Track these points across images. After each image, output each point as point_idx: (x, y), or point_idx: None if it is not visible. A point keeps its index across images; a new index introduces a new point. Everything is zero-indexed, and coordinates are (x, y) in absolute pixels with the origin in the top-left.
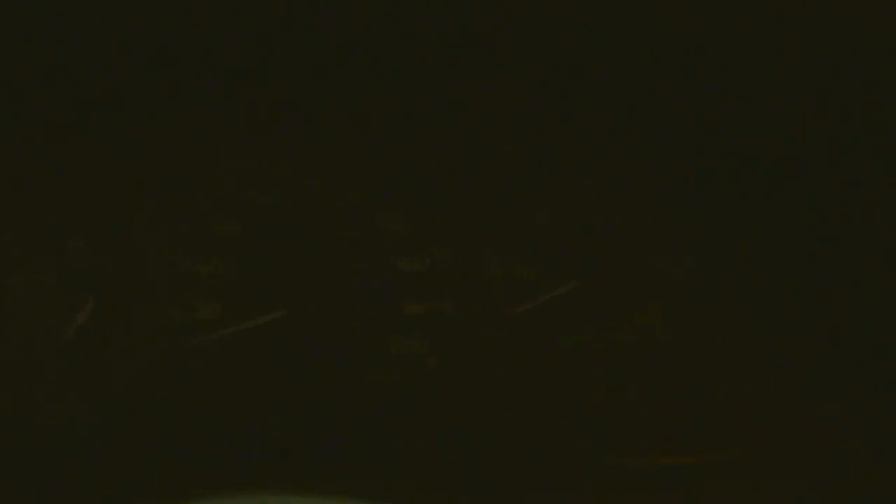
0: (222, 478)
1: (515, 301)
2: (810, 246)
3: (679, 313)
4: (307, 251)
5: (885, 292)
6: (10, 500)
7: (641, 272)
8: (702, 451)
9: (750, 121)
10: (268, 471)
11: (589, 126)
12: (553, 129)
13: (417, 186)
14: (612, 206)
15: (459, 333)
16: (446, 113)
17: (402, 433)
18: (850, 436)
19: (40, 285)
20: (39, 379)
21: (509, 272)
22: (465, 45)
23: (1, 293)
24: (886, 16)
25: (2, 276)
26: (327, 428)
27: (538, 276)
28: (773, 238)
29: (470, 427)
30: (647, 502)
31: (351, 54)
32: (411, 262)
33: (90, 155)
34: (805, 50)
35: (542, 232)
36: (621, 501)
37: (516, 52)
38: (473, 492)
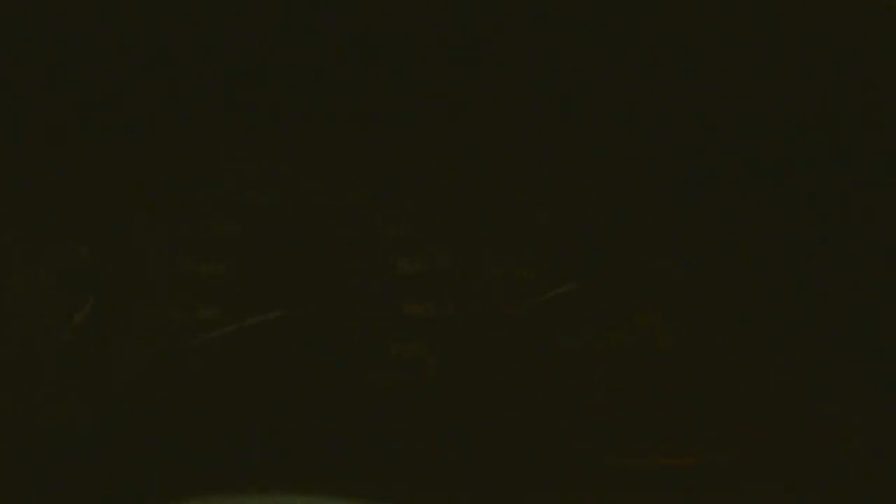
0: (222, 478)
1: (516, 302)
2: (810, 246)
3: (679, 313)
4: (307, 251)
5: (885, 292)
6: (9, 500)
7: (642, 272)
8: (702, 451)
9: (750, 121)
10: (268, 471)
11: (589, 126)
12: (553, 129)
13: (417, 187)
14: (612, 207)
15: (459, 334)
16: (446, 113)
17: (402, 433)
18: (850, 436)
19: (40, 285)
20: (39, 379)
21: (509, 272)
22: (465, 45)
23: (1, 293)
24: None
25: (2, 276)
26: (327, 428)
27: (538, 276)
28: (773, 238)
29: (470, 427)
30: (647, 502)
31: (351, 54)
32: (411, 263)
33: (90, 155)
34: (805, 50)
35: (542, 232)
36: (621, 501)
37: (516, 52)
38: (473, 492)
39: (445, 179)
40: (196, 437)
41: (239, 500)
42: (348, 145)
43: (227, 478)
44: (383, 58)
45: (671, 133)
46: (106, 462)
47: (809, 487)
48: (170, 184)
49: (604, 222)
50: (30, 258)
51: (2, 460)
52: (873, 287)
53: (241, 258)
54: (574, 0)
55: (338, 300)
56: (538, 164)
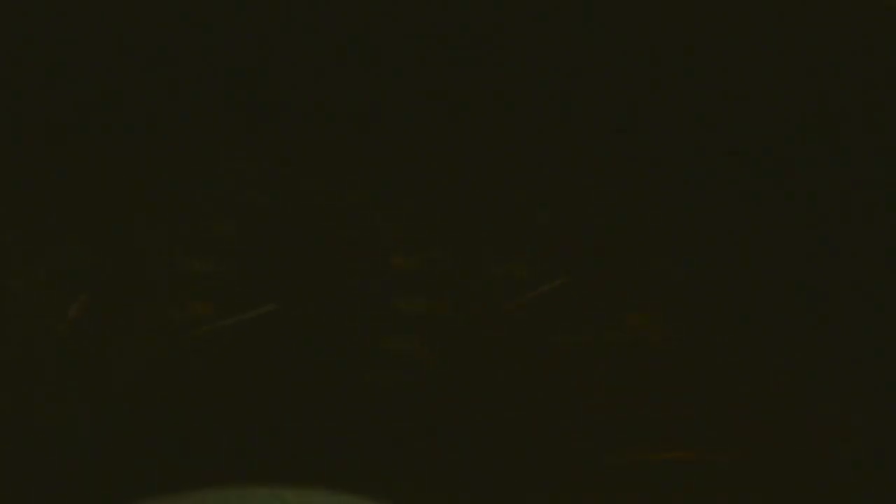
0: (222, 477)
1: (515, 300)
2: (810, 246)
3: (680, 313)
4: (306, 251)
5: (885, 292)
6: (9, 500)
7: (642, 271)
8: (702, 450)
9: (750, 121)
10: (268, 470)
11: (589, 126)
12: (553, 129)
13: (417, 186)
14: (611, 206)
15: (458, 332)
16: (446, 113)
17: (401, 432)
18: (850, 436)
19: (40, 285)
20: (38, 378)
21: (508, 272)
22: (465, 45)
23: (1, 293)
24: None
25: (2, 276)
26: (326, 427)
27: (538, 275)
28: (773, 238)
29: (469, 426)
30: (647, 502)
31: (351, 54)
32: (410, 262)
33: (90, 155)
34: (805, 50)
35: (542, 232)
36: (621, 501)
37: (516, 52)
38: (473, 492)
39: (445, 179)
40: (195, 436)
41: (235, 493)
42: (348, 145)
43: (225, 476)
44: (383, 58)
45: (671, 133)
46: (105, 461)
47: (809, 487)
48: (170, 184)
49: (603, 221)
50: (30, 258)
51: (1, 460)
52: (873, 287)
53: (240, 257)
54: (574, 0)
55: (337, 299)
56: (538, 164)
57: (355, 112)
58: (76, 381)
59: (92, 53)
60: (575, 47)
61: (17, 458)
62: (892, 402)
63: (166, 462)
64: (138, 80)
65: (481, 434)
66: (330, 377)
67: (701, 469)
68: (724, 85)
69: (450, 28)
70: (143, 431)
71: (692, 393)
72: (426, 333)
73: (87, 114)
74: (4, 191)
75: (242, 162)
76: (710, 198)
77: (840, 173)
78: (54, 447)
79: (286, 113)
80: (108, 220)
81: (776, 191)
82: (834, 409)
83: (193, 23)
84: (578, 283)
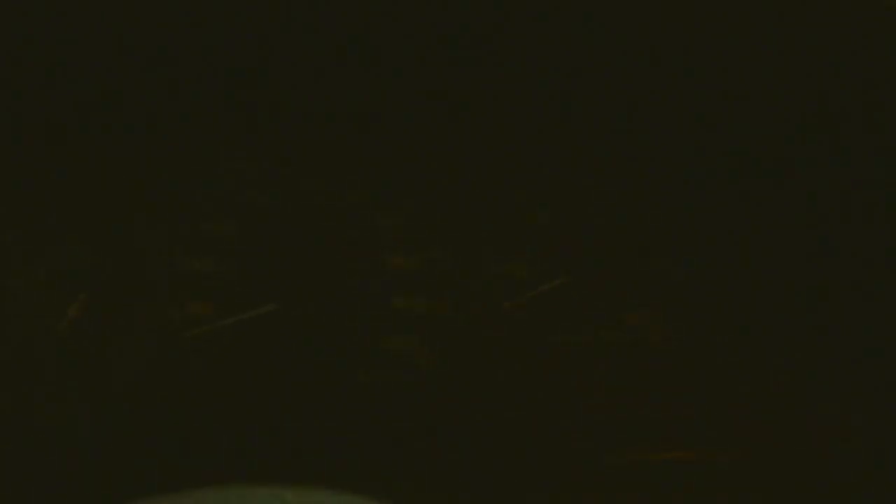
0: (222, 477)
1: (515, 300)
2: (810, 246)
3: (680, 313)
4: (306, 250)
5: (885, 292)
6: (9, 500)
7: (642, 271)
8: (702, 450)
9: (750, 121)
10: (268, 470)
11: (589, 126)
12: (553, 129)
13: (417, 186)
14: (611, 206)
15: (458, 332)
16: (446, 112)
17: (401, 432)
18: (850, 436)
19: (40, 285)
20: (39, 378)
21: (508, 272)
22: (465, 45)
23: (1, 293)
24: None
25: (2, 276)
26: (326, 427)
27: (538, 275)
28: (773, 238)
29: (469, 426)
30: (647, 502)
31: (351, 54)
32: (410, 262)
33: (90, 155)
34: (805, 50)
35: (542, 232)
36: (621, 501)
37: (516, 52)
38: (473, 492)
39: (445, 179)
40: (195, 436)
41: (235, 493)
42: (348, 145)
43: (225, 476)
44: (383, 58)
45: (671, 133)
46: (105, 461)
47: (809, 487)
48: (170, 184)
49: (603, 221)
50: (30, 258)
51: (1, 460)
52: (873, 287)
53: (240, 257)
54: (574, 0)
55: (337, 299)
56: (538, 164)
57: (355, 112)
58: (76, 381)
59: (92, 53)
60: (575, 47)
61: (17, 458)
62: (892, 402)
63: (166, 462)
64: (138, 80)
65: (481, 434)
66: (330, 377)
67: (701, 469)
68: (724, 85)
69: (450, 28)
70: (142, 431)
71: (692, 393)
72: (426, 333)
73: (87, 114)
74: (4, 191)
75: (242, 162)
76: (710, 198)
77: (840, 173)
78: (54, 447)
79: (286, 113)
80: (108, 220)
81: (776, 191)
82: (834, 409)
83: (193, 23)
84: (578, 283)
